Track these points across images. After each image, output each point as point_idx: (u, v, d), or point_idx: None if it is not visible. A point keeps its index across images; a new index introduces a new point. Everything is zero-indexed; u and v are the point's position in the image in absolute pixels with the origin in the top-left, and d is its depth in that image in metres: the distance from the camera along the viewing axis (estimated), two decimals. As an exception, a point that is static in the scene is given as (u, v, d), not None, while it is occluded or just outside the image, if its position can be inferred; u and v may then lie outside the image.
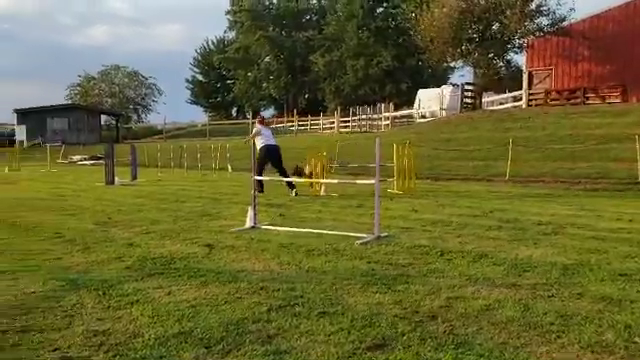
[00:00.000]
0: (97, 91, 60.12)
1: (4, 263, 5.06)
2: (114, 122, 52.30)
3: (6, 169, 23.53)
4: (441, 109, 31.30)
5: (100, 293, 4.06)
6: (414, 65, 52.50)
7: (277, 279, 4.48)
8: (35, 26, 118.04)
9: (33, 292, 4.10)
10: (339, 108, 41.81)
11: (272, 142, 11.96)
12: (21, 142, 42.11)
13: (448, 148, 18.58)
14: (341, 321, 3.44)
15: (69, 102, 55.34)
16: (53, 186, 14.58)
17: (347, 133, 34.61)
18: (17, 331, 3.27)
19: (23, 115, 46.28)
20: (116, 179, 14.91)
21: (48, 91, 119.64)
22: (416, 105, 34.81)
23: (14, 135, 44.60)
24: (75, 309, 3.70)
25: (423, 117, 32.78)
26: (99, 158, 30.31)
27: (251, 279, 4.46)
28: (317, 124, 43.27)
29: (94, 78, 60.36)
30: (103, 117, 52.07)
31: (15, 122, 47.23)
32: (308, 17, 65.63)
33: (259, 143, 11.80)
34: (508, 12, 25.74)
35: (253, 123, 45.25)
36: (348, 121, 39.10)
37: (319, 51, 57.35)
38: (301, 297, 3.94)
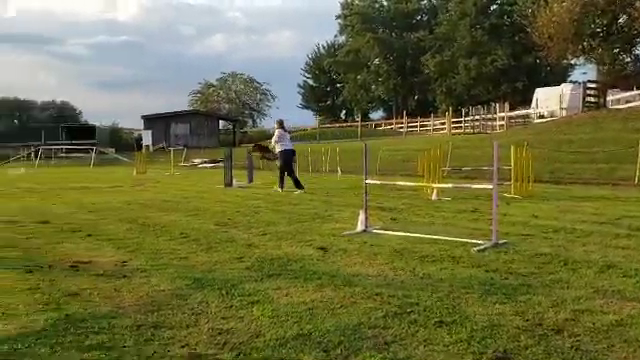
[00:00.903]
0: (216, 97, 63.33)
1: (138, 261, 5.46)
2: (231, 127, 54.73)
3: (134, 172, 25.39)
4: (561, 108, 29.60)
5: (223, 292, 4.26)
6: (531, 63, 50.14)
7: (391, 285, 4.45)
8: (160, 37, 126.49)
9: (163, 290, 4.38)
10: (450, 109, 40.85)
11: (290, 147, 13.68)
12: (147, 146, 45.27)
13: (569, 150, 17.52)
14: (460, 331, 3.35)
15: (190, 108, 58.76)
16: (177, 188, 15.52)
17: (459, 134, 33.73)
18: (150, 326, 3.51)
19: (149, 121, 49.79)
20: (234, 181, 15.58)
21: (171, 98, 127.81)
22: (533, 104, 33.21)
23: (141, 139, 48.13)
24: (201, 307, 3.91)
25: (541, 117, 31.20)
26: (218, 161, 31.94)
27: (365, 284, 4.47)
28: (427, 125, 42.58)
29: (213, 85, 63.61)
30: (221, 122, 54.74)
31: (142, 127, 50.97)
32: (419, 18, 64.82)
33: (279, 147, 13.46)
34: (637, 3, 23.82)
35: (363, 126, 45.57)
36: (460, 122, 38.10)
37: (430, 51, 56.45)
38: (417, 305, 3.89)
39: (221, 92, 63.71)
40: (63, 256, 5.72)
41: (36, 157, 40.18)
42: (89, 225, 7.98)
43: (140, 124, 51.61)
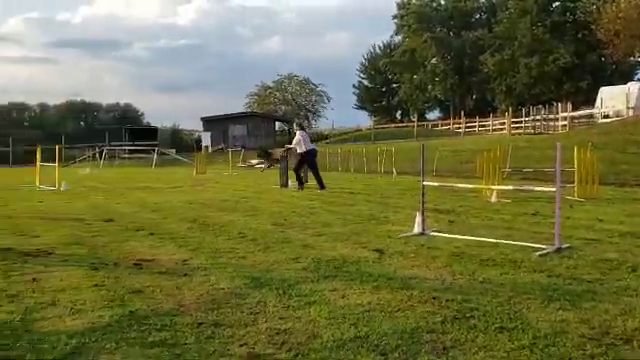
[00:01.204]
0: (272, 99, 64.07)
1: (198, 260, 5.58)
2: (287, 128, 55.29)
3: (194, 172, 26.03)
4: (628, 108, 28.36)
5: (280, 292, 4.30)
6: (595, 61, 48.32)
7: (450, 289, 4.37)
8: (218, 40, 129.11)
9: (222, 288, 4.46)
10: (510, 109, 39.84)
11: (313, 146, 14.79)
12: (206, 147, 46.27)
13: (636, 151, 16.75)
14: (521, 338, 3.26)
15: (247, 110, 59.69)
16: (235, 188, 15.80)
17: (519, 135, 32.83)
18: (210, 325, 3.58)
19: (208, 122, 50.92)
20: (289, 182, 15.72)
21: (229, 100, 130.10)
22: (598, 104, 31.96)
23: (201, 141, 49.28)
24: (259, 307, 3.96)
25: (606, 117, 30.00)
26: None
27: (423, 287, 4.41)
28: (486, 126, 41.67)
29: (269, 87, 64.39)
30: (277, 123, 55.37)
31: (201, 129, 52.17)
32: (477, 16, 63.57)
33: (301, 148, 14.48)
34: None
35: (419, 126, 45.03)
36: (520, 122, 37.09)
37: (489, 50, 55.24)
38: (476, 310, 3.81)
39: (277, 94, 64.43)
40: (127, 254, 5.92)
41: (101, 157, 41.82)
42: (152, 224, 8.23)
43: (199, 125, 52.88)
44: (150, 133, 52.38)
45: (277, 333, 3.40)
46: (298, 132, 15.23)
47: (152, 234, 7.26)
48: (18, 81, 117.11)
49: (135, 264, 5.40)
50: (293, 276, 4.84)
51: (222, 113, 52.06)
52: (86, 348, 3.18)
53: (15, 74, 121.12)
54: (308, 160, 14.75)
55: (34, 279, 4.77)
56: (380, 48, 71.03)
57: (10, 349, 3.17)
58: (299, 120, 15.30)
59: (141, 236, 7.14)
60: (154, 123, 63.84)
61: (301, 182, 14.77)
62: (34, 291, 4.40)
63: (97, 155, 43.74)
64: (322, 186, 14.08)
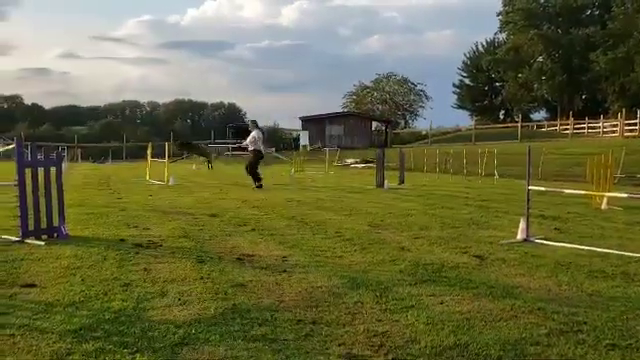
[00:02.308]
0: (370, 99, 64.03)
1: (297, 257, 5.70)
2: (384, 128, 55.03)
3: (292, 170, 26.55)
4: None
5: (377, 294, 4.30)
6: None
7: (555, 300, 4.17)
8: (319, 40, 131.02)
9: (320, 287, 4.52)
10: (623, 110, 37.23)
11: (262, 149, 15.21)
12: (304, 146, 47.09)
13: None
14: (636, 357, 3.04)
15: (345, 110, 60.07)
16: (332, 187, 15.96)
17: (633, 138, 30.61)
18: (309, 322, 3.65)
19: (306, 122, 51.74)
20: (385, 182, 15.65)
21: (327, 100, 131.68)
22: None
23: (299, 139, 50.21)
24: (356, 307, 3.98)
25: None
26: (370, 162, 32.30)
27: (526, 297, 4.23)
28: (595, 128, 39.23)
29: (367, 87, 64.38)
30: (374, 123, 55.24)
31: (300, 128, 53.16)
32: (588, 12, 59.93)
33: (255, 147, 14.93)
34: None
35: (523, 127, 43.16)
36: (635, 124, 34.57)
37: (601, 48, 51.91)
38: (585, 324, 3.60)
39: (375, 93, 64.31)
40: (231, 248, 6.16)
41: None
42: (253, 220, 8.50)
43: (298, 125, 53.90)
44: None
45: (375, 335, 3.40)
46: (255, 131, 15.35)
47: (253, 230, 7.50)
48: (131, 80, 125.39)
49: (238, 258, 5.60)
50: (390, 278, 4.82)
51: (320, 113, 52.71)
52: (192, 339, 3.35)
53: (129, 74, 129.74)
54: (258, 159, 15.26)
55: (145, 269, 5.09)
56: (483, 46, 68.83)
57: (125, 335, 3.40)
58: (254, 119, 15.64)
59: (243, 231, 7.39)
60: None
61: (258, 179, 14.99)
62: (145, 280, 4.69)
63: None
64: (259, 183, 14.70)
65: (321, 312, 3.86)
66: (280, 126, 65.14)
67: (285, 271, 5.04)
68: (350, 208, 10.28)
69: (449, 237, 7.00)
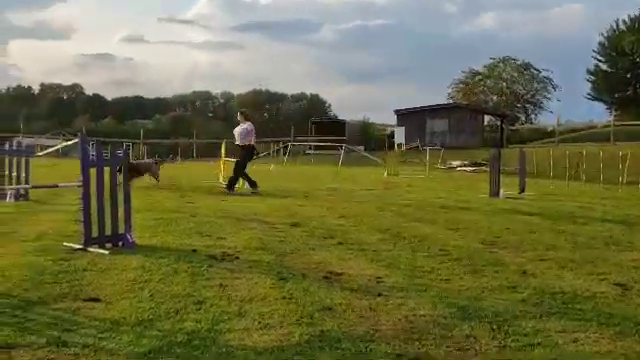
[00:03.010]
0: (482, 88, 62.74)
1: (393, 278, 5.68)
2: (499, 123, 53.76)
3: (385, 173, 26.51)
4: None
5: (494, 327, 4.20)
6: None
7: None
8: (419, 19, 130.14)
9: (423, 315, 4.48)
10: None
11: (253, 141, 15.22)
12: (399, 145, 46.81)
13: None
14: None
15: (450, 101, 59.22)
16: (433, 195, 15.78)
17: None
18: (410, 358, 3.62)
19: (402, 116, 51.53)
20: (501, 191, 15.26)
21: (428, 90, 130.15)
22: None
23: (393, 137, 49.99)
24: (468, 342, 3.90)
25: None
26: (480, 164, 31.68)
27: (686, 339, 3.99)
28: None
29: (479, 73, 63.11)
30: (486, 117, 54.11)
31: (394, 123, 52.97)
32: None
33: (245, 142, 15.07)
34: None
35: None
36: None
37: None
38: None
39: (488, 81, 62.95)
40: (316, 264, 6.23)
41: (285, 153, 44.57)
42: (341, 231, 8.57)
43: (392, 119, 53.81)
44: (337, 127, 54.51)
45: (492, 378, 3.32)
46: (247, 123, 15.27)
47: (341, 243, 7.56)
48: (202, 68, 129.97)
49: (324, 277, 5.66)
50: (509, 309, 4.70)
51: (419, 105, 52.31)
52: (275, 368, 3.41)
53: (200, 60, 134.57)
54: (246, 156, 15.28)
55: (221, 285, 5.25)
56: (625, 23, 65.56)
57: (199, 360, 3.52)
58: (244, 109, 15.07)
59: (329, 245, 7.46)
60: (342, 116, 66.47)
61: (253, 182, 14.99)
62: (220, 298, 4.84)
63: (281, 150, 46.66)
64: (232, 188, 14.91)
65: (425, 346, 3.82)
66: (371, 121, 65.36)
67: (380, 294, 5.03)
68: (457, 221, 10.12)
69: (582, 260, 6.72)
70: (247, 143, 15.25)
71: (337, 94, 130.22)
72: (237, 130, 15.50)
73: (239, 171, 15.24)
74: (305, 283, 5.39)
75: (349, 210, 11.45)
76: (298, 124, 58.56)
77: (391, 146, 44.89)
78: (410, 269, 6.10)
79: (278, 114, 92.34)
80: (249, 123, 15.42)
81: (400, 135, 48.42)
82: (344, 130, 53.79)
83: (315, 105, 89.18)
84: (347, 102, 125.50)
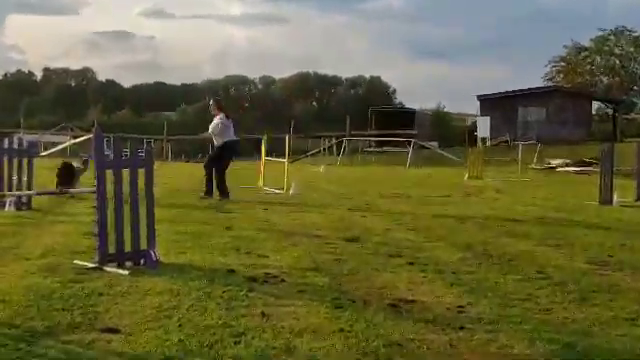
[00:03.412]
0: (588, 67, 61.63)
1: (479, 307, 5.63)
2: (610, 111, 52.71)
3: (465, 175, 26.30)
4: None
5: (611, 371, 4.13)
6: None
7: None
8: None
9: (517, 355, 4.43)
10: None
11: (233, 136, 15.55)
12: (483, 139, 46.41)
13: None
14: None
15: (548, 84, 58.31)
16: (527, 202, 15.59)
17: None
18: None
19: (487, 103, 51.06)
20: (614, 196, 14.98)
21: (519, 69, 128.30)
22: None
23: (475, 130, 49.58)
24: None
25: None
26: (587, 164, 31.14)
27: None
28: None
29: (585, 49, 61.99)
30: (594, 104, 53.11)
31: (477, 112, 52.46)
32: None
33: (220, 139, 15.18)
34: None
35: None
36: None
37: None
38: None
39: (598, 58, 61.78)
40: (380, 289, 6.23)
41: (339, 151, 44.67)
42: (410, 248, 8.55)
43: (474, 108, 53.33)
44: (404, 118, 54.37)
45: None
46: (219, 116, 15.29)
47: (411, 263, 7.53)
48: (237, 47, 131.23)
49: (391, 305, 5.65)
50: (627, 347, 4.62)
51: (509, 89, 51.70)
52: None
53: (233, 37, 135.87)
54: (226, 157, 15.43)
55: (263, 314, 5.29)
56: None
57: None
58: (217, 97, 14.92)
59: (397, 265, 7.45)
60: (410, 104, 66.22)
61: (210, 190, 15.07)
62: (264, 330, 4.88)
63: (334, 147, 46.77)
64: (226, 194, 14.93)
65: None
66: (446, 110, 64.92)
67: (462, 328, 5.00)
68: (558, 235, 9.99)
69: None
70: (225, 140, 15.32)
71: (403, 77, 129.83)
72: (211, 125, 15.48)
73: (219, 172, 15.17)
74: (367, 313, 5.39)
75: (421, 221, 11.40)
76: (355, 115, 58.62)
77: (473, 141, 44.57)
78: (500, 296, 6.04)
79: (330, 102, 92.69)
80: (221, 115, 15.39)
81: (484, 127, 47.97)
82: (413, 122, 53.61)
83: (376, 91, 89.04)
84: (416, 86, 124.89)
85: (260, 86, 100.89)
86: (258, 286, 6.26)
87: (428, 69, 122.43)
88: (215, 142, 15.43)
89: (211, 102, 16.36)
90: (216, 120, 15.33)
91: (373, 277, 6.79)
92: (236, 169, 29.58)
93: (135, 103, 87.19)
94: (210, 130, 15.46)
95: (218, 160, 15.35)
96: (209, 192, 15.05)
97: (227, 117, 15.47)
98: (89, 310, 5.34)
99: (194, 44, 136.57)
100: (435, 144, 48.55)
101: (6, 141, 12.84)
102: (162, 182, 17.74)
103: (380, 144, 50.94)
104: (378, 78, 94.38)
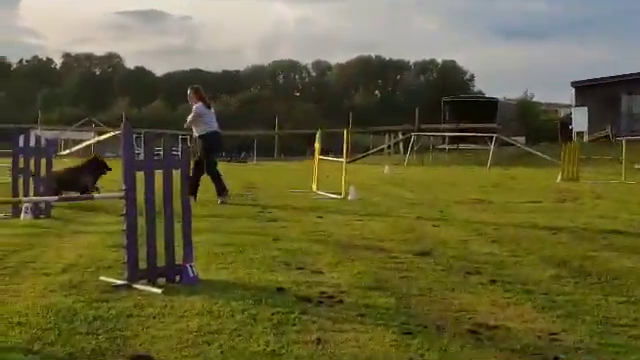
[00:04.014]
0: None
1: (576, 334, 5.55)
2: None
3: (558, 177, 25.97)
4: None
5: None
6: None
7: None
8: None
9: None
10: None
11: (216, 127, 16.11)
12: (580, 134, 45.76)
13: None
14: None
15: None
16: (634, 210, 15.34)
17: None
18: None
19: (584, 91, 50.32)
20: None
21: (622, 51, 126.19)
22: None
23: (570, 122, 48.94)
24: None
25: None
26: None
27: None
28: None
29: None
30: None
31: (571, 102, 51.74)
32: None
33: (199, 130, 15.90)
34: None
35: None
36: None
37: None
38: None
39: None
40: (456, 312, 6.18)
41: (406, 148, 44.52)
42: (492, 264, 8.47)
43: (566, 96, 52.67)
44: (484, 109, 53.91)
45: None
46: (197, 105, 15.94)
47: (494, 281, 7.46)
48: (286, 28, 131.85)
49: (470, 331, 5.60)
50: None
51: (610, 74, 50.91)
52: None
53: (282, 17, 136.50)
54: (210, 151, 16.05)
55: (318, 340, 5.29)
56: None
57: None
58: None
59: (476, 283, 7.38)
60: (490, 92, 65.71)
61: (223, 188, 15.79)
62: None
63: (400, 144, 46.63)
64: (224, 193, 15.68)
65: None
66: (535, 99, 64.16)
67: (557, 359, 4.94)
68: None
69: None
70: (203, 133, 15.98)
71: (483, 61, 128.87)
72: (190, 116, 16.21)
73: (211, 170, 15.87)
74: (441, 340, 5.35)
75: (505, 232, 11.30)
76: (425, 105, 58.46)
77: (567, 136, 43.98)
78: (601, 321, 5.95)
79: (395, 91, 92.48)
80: (198, 104, 15.95)
81: (581, 119, 47.34)
82: (494, 113, 53.11)
83: (450, 77, 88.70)
84: (498, 72, 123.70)
85: (313, 73, 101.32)
86: (312, 307, 6.26)
87: (513, 51, 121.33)
88: (195, 134, 16.27)
89: (189, 91, 16.74)
90: (194, 109, 16.05)
91: (448, 298, 6.74)
92: (286, 169, 29.75)
93: (168, 94, 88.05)
94: (188, 121, 16.26)
95: (206, 157, 15.93)
96: (221, 192, 15.76)
97: (207, 106, 16.23)
98: (116, 334, 5.40)
99: (236, 25, 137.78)
100: (521, 140, 48.08)
101: (21, 139, 12.87)
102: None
103: (455, 140, 50.57)
104: (452, 62, 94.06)
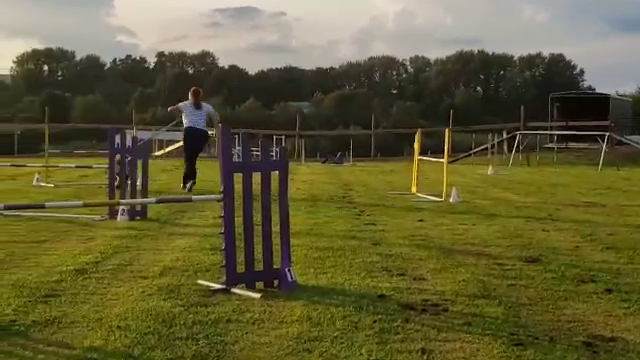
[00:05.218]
0: None
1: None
2: None
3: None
4: None
5: None
6: None
7: None
8: None
9: None
10: None
11: (197, 125, 17.65)
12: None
13: None
14: None
15: None
16: None
17: None
18: None
19: None
20: None
21: None
22: None
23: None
24: None
25: None
26: None
27: None
28: None
29: None
30: None
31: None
32: None
33: (183, 124, 17.83)
34: None
35: None
36: None
37: None
38: None
39: None
40: (569, 323, 6.10)
41: (510, 148, 43.92)
42: (608, 272, 8.34)
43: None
44: (596, 106, 52.74)
45: None
46: (184, 102, 18.24)
47: (610, 291, 7.35)
48: (383, 23, 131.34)
49: (585, 343, 5.53)
50: None
51: None
52: None
53: (379, 11, 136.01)
54: (186, 145, 18.27)
55: (423, 350, 5.29)
56: None
57: None
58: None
59: (590, 293, 7.27)
60: (602, 88, 64.37)
61: (190, 177, 17.34)
62: (426, 371, 4.89)
63: (505, 144, 46.05)
64: (187, 182, 17.22)
65: None
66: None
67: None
68: None
69: None
70: (183, 127, 18.06)
71: (594, 54, 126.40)
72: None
73: (185, 161, 18.08)
74: (554, 352, 5.29)
75: (620, 238, 11.08)
76: (531, 102, 57.64)
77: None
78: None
79: (498, 88, 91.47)
80: (187, 102, 18.12)
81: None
82: (607, 110, 51.91)
83: (557, 72, 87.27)
84: (611, 66, 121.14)
85: (411, 69, 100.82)
86: (416, 316, 6.27)
87: (627, 44, 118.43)
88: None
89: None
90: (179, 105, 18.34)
91: (560, 307, 6.67)
92: (384, 171, 29.71)
93: (261, 92, 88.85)
94: (169, 109, 19.16)
95: (184, 149, 18.52)
96: (184, 180, 17.49)
97: (196, 106, 17.95)
98: (216, 340, 5.50)
99: (331, 21, 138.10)
100: (636, 138, 46.95)
101: (117, 138, 13.08)
102: (295, 187, 18.09)
103: (564, 139, 49.67)
104: (560, 56, 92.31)
